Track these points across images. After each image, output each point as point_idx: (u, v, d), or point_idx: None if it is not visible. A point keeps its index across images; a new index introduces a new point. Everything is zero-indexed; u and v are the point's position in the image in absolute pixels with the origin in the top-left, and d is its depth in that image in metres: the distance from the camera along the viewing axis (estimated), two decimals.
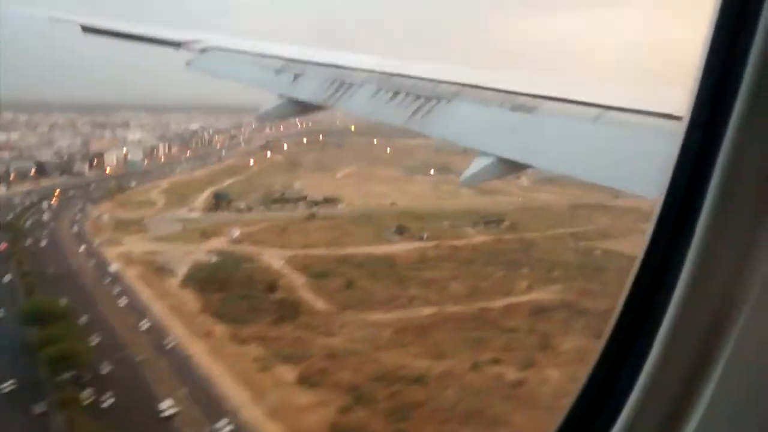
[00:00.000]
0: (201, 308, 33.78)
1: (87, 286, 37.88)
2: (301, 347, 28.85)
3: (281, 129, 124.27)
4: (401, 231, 53.84)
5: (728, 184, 1.31)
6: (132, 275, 40.04)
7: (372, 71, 5.24)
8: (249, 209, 64.17)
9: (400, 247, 49.44)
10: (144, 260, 42.58)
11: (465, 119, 4.23)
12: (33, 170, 76.81)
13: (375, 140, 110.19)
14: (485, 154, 3.74)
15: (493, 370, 28.07)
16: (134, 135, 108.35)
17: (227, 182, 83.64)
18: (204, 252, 45.24)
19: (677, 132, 1.44)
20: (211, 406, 24.63)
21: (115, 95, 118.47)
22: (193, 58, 6.94)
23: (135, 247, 45.68)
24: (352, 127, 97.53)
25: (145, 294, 36.66)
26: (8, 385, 25.67)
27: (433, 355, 29.10)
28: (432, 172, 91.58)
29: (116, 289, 37.65)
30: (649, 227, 1.48)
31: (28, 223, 55.03)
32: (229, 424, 23.52)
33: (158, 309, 34.24)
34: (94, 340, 29.96)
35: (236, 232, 51.65)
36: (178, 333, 30.42)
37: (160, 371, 27.31)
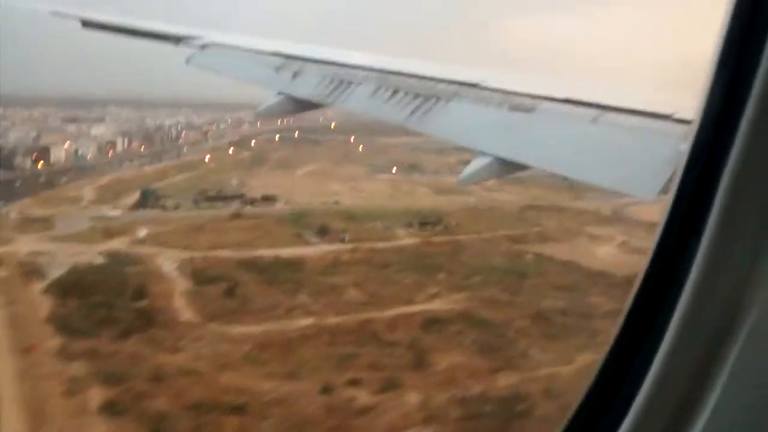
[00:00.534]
0: (47, 317, 30.49)
1: None
2: (132, 366, 25.54)
3: (258, 126, 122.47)
4: (323, 232, 50.55)
5: (738, 187, 1.30)
6: None
7: (371, 69, 5.22)
8: (176, 207, 60.81)
9: (316, 250, 46.15)
10: (21, 261, 39.32)
11: (463, 118, 4.22)
12: None
13: (352, 138, 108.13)
14: (483, 153, 3.68)
15: (346, 394, 24.78)
16: (98, 129, 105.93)
17: (174, 179, 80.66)
18: (95, 253, 41.95)
19: (676, 133, 1.44)
20: None
21: (106, 91, 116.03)
22: (192, 55, 6.92)
23: (22, 247, 42.37)
24: (333, 125, 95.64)
25: None
26: None
27: (284, 376, 25.79)
28: (395, 170, 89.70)
29: None
30: (658, 229, 1.47)
31: None
32: None
33: None
34: None
35: (143, 232, 48.41)
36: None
37: None
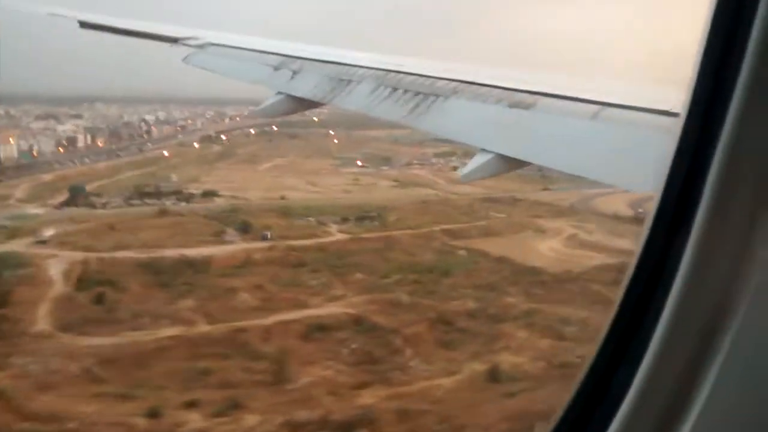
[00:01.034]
0: None
1: None
2: None
3: (237, 120, 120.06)
4: (245, 229, 47.41)
5: (725, 181, 1.31)
6: None
7: (370, 68, 5.20)
8: (104, 205, 57.96)
9: (229, 249, 43.04)
10: None
11: (463, 116, 4.21)
12: None
13: (331, 131, 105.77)
14: (484, 150, 3.73)
15: (176, 417, 21.64)
16: (65, 126, 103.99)
17: (123, 175, 78.48)
18: None
19: (675, 128, 1.43)
20: None
21: (103, 89, 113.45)
22: (190, 54, 7.02)
23: None
24: (315, 119, 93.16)
25: None
26: None
27: (114, 396, 22.68)
28: (359, 163, 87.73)
29: None
30: (646, 225, 1.46)
31: None
32: None
33: None
34: None
35: (50, 232, 45.42)
36: None
37: None
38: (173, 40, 7.27)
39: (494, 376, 25.03)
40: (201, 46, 6.96)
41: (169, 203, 58.56)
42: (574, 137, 3.34)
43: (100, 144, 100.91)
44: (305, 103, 5.55)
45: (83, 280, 34.95)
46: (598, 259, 42.46)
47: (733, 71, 1.25)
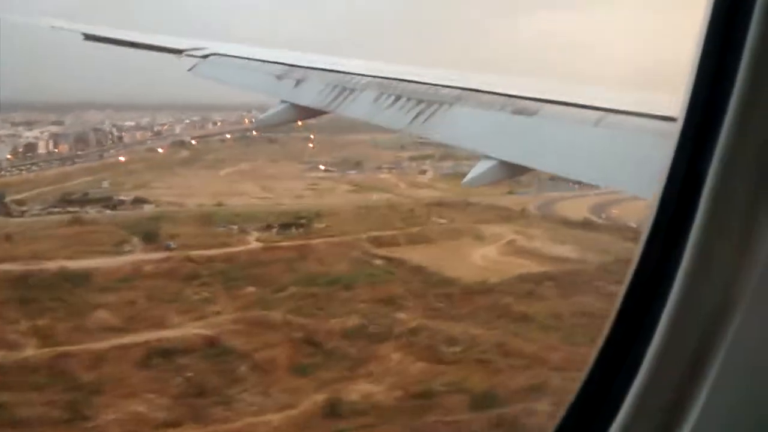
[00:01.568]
0: None
1: None
2: None
3: (218, 125, 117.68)
4: (150, 238, 43.90)
5: (723, 185, 1.32)
6: None
7: (374, 76, 5.19)
8: (22, 213, 54.82)
9: (122, 260, 39.48)
10: None
11: (466, 123, 4.22)
12: None
13: (311, 136, 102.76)
14: (487, 157, 3.74)
15: None
16: (30, 132, 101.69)
17: (72, 182, 75.30)
18: None
19: (674, 130, 1.44)
20: None
21: (99, 96, 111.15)
22: (195, 65, 7.07)
23: None
24: (300, 123, 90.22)
25: None
26: None
27: None
28: (322, 167, 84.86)
29: None
30: (644, 229, 1.47)
31: None
32: None
33: None
34: None
35: None
36: None
37: None
38: (178, 52, 7.35)
39: (335, 410, 21.33)
40: (205, 57, 7.01)
41: (93, 211, 55.41)
42: (578, 143, 3.34)
43: (60, 150, 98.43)
44: (309, 112, 5.58)
45: None
46: (525, 267, 38.73)
47: (730, 75, 1.26)
